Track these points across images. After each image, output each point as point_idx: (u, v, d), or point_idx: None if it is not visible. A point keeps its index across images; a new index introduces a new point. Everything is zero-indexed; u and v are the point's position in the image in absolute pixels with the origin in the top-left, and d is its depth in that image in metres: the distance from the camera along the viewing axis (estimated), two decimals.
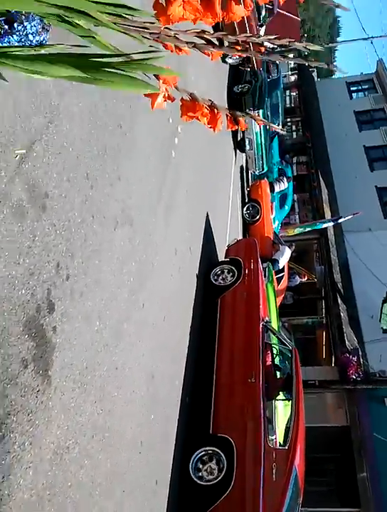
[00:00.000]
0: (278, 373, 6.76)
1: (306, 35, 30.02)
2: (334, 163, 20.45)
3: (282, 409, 6.44)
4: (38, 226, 2.70)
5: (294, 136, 23.40)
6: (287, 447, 5.31)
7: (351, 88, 24.90)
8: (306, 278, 13.70)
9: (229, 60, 9.83)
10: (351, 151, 20.83)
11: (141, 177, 4.60)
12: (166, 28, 1.07)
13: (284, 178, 12.77)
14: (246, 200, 12.12)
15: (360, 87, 24.76)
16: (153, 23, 1.08)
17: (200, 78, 7.69)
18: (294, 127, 24.60)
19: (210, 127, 1.23)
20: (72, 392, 3.01)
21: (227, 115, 1.27)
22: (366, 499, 11.63)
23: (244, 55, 8.55)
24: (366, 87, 24.56)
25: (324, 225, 16.54)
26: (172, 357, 5.33)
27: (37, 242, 2.68)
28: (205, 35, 1.11)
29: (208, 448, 5.23)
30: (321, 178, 19.01)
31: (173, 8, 0.98)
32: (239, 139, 11.41)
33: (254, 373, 5.81)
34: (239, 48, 1.16)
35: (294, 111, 25.30)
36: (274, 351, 6.76)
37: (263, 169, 11.37)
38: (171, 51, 1.13)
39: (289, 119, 22.91)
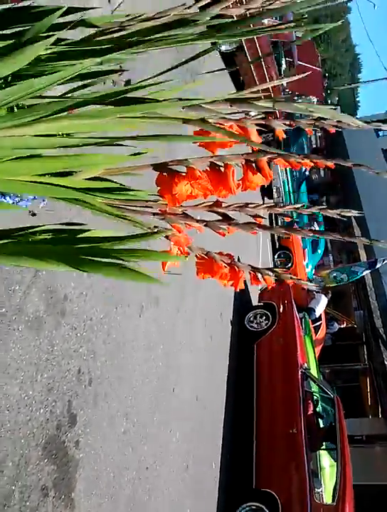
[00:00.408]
0: (321, 423, 6.42)
1: (327, 75, 30.45)
2: (364, 202, 20.17)
3: (327, 462, 6.05)
4: (57, 334, 2.59)
5: (322, 174, 23.29)
6: (334, 503, 5.00)
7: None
8: (345, 324, 13.17)
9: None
10: (382, 189, 20.53)
11: None
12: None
13: (315, 223, 12.54)
14: (277, 248, 11.91)
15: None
16: (156, 201, 0.95)
17: None
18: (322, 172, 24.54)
19: (232, 285, 1.08)
20: (99, 508, 2.80)
21: (250, 272, 1.12)
22: None
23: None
24: None
25: (362, 274, 16.06)
26: (207, 435, 5.05)
27: (55, 352, 2.55)
28: (219, 209, 0.98)
29: (251, 503, 5.01)
30: (354, 221, 18.68)
31: (179, 188, 0.86)
32: (266, 186, 11.36)
33: (295, 423, 5.58)
34: (259, 221, 1.03)
35: (320, 151, 25.33)
36: (315, 400, 6.40)
37: (293, 217, 11.18)
38: (179, 231, 1.00)
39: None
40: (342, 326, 12.83)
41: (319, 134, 26.48)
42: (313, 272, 13.99)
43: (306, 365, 6.54)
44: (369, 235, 18.88)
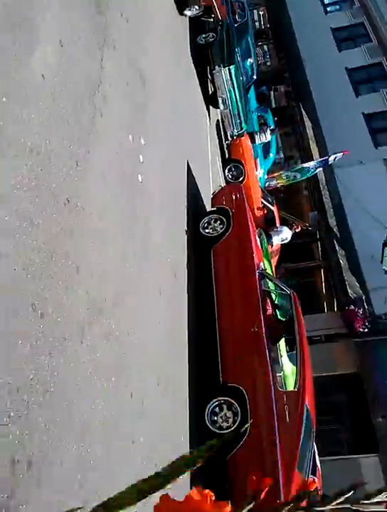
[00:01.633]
0: (279, 318, 7.04)
1: None
2: (315, 92, 19.84)
3: (287, 353, 6.85)
4: None
5: (269, 63, 22.40)
6: (296, 389, 5.69)
7: (325, 1, 23.65)
8: (299, 228, 13.55)
9: (187, 12, 9.06)
10: (333, 76, 20.17)
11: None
12: None
13: (267, 129, 12.31)
14: (227, 161, 11.70)
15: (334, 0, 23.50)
16: None
17: (156, 46, 7.14)
18: (266, 48, 23.46)
19: None
20: None
21: None
22: (384, 444, 12.25)
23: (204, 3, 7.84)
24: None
25: (315, 171, 16.26)
26: (174, 340, 5.36)
27: None
28: None
29: (220, 398, 5.60)
30: (303, 111, 18.44)
31: None
32: (210, 93, 10.84)
33: (256, 322, 6.10)
34: None
35: (265, 33, 24.08)
36: (273, 297, 6.97)
37: (242, 128, 10.90)
38: None
39: (259, 43, 21.73)
40: (297, 230, 13.18)
41: (262, 12, 25.04)
42: (265, 176, 14.00)
43: (263, 266, 6.81)
44: (320, 125, 18.92)
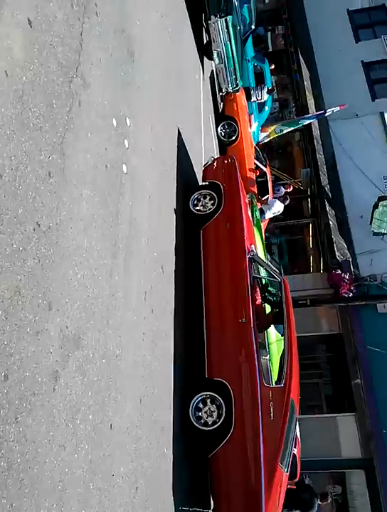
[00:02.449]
0: (269, 308, 6.76)
1: None
2: (314, 36, 18.55)
3: (275, 346, 6.62)
4: None
5: (267, 0, 20.79)
6: (282, 384, 5.52)
7: None
8: (291, 188, 13.06)
9: None
10: (333, 17, 18.76)
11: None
12: None
13: (264, 88, 11.46)
14: (220, 117, 10.93)
15: None
16: None
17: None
18: None
19: None
20: None
21: None
22: (361, 404, 12.48)
23: None
24: None
25: (307, 122, 15.48)
26: (159, 326, 5.03)
27: None
28: None
29: (205, 393, 5.39)
30: (301, 58, 17.33)
31: None
32: (205, 42, 9.87)
33: (244, 313, 5.78)
34: None
35: None
36: (263, 285, 6.63)
37: (237, 84, 10.02)
38: None
39: None
40: (288, 191, 12.70)
41: None
42: (260, 130, 13.26)
43: (253, 249, 6.45)
44: (317, 73, 17.87)
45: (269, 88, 12.00)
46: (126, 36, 4.90)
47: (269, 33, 19.06)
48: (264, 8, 19.56)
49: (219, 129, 10.97)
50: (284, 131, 15.01)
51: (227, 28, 8.83)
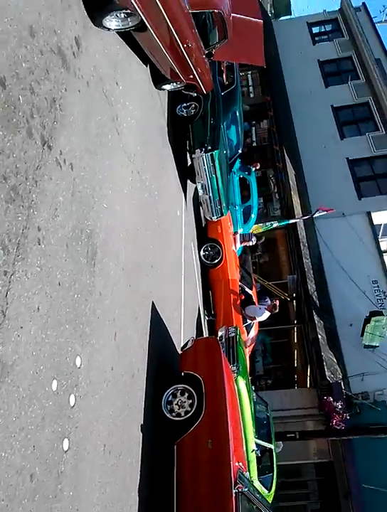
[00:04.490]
0: None
1: None
2: (299, 131, 18.18)
3: None
4: None
5: (252, 95, 20.59)
6: None
7: (313, 30, 21.90)
8: (278, 302, 11.96)
9: (167, 87, 7.08)
10: (318, 114, 18.49)
11: None
12: None
13: (252, 237, 10.85)
14: (204, 239, 9.94)
15: (324, 29, 21.76)
16: None
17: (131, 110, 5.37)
18: (250, 81, 21.68)
19: None
20: None
21: None
22: None
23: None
24: (330, 29, 21.60)
25: (293, 221, 14.76)
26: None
27: None
28: None
29: None
30: (286, 156, 16.78)
31: None
32: (188, 164, 8.98)
33: None
34: None
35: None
36: None
37: (222, 214, 9.08)
38: None
39: (242, 74, 19.83)
40: (276, 303, 11.58)
41: None
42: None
43: (242, 476, 5.11)
44: (303, 172, 17.28)
45: (258, 236, 11.30)
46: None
47: (253, 128, 18.65)
48: (249, 103, 19.25)
49: (202, 251, 9.95)
50: (269, 228, 14.24)
51: (212, 162, 7.92)
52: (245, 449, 6.64)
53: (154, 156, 6.77)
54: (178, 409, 5.38)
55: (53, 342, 3.30)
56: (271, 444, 8.69)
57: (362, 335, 13.20)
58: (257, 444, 7.87)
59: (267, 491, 8.33)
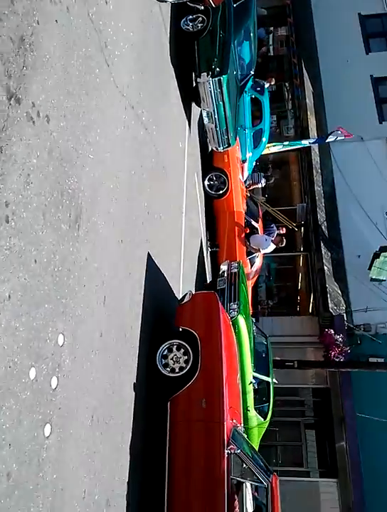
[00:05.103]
0: None
1: None
2: (320, 41, 16.47)
3: None
4: None
5: None
6: None
7: None
8: (284, 230, 11.46)
9: None
10: (343, 21, 16.61)
11: None
12: None
13: (261, 177, 9.99)
14: (209, 168, 9.25)
15: None
16: None
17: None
18: None
19: None
20: None
21: None
22: (345, 470, 11.50)
23: None
24: None
25: (308, 144, 13.88)
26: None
27: None
28: None
29: None
30: (304, 71, 15.41)
31: None
32: (193, 85, 8.04)
33: None
34: None
35: None
36: (244, 492, 5.20)
37: (229, 144, 8.28)
38: None
39: None
40: (282, 232, 11.14)
41: None
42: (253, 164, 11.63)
43: (237, 433, 5.07)
44: (322, 90, 15.97)
45: (268, 174, 10.42)
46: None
47: (270, 36, 16.96)
48: (266, 6, 17.27)
49: (206, 181, 9.34)
50: (282, 148, 13.48)
51: (220, 88, 7.07)
52: (241, 387, 6.60)
53: (152, 84, 6.02)
54: (173, 364, 5.23)
55: (30, 327, 2.99)
56: (269, 377, 8.79)
57: (370, 268, 12.93)
58: (255, 377, 7.98)
59: (262, 419, 8.57)
